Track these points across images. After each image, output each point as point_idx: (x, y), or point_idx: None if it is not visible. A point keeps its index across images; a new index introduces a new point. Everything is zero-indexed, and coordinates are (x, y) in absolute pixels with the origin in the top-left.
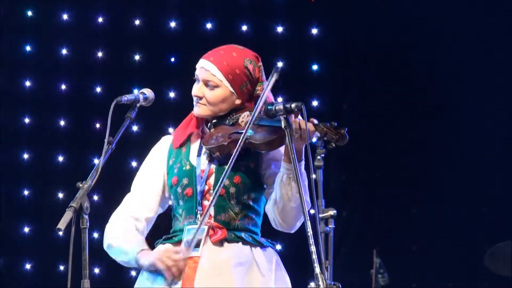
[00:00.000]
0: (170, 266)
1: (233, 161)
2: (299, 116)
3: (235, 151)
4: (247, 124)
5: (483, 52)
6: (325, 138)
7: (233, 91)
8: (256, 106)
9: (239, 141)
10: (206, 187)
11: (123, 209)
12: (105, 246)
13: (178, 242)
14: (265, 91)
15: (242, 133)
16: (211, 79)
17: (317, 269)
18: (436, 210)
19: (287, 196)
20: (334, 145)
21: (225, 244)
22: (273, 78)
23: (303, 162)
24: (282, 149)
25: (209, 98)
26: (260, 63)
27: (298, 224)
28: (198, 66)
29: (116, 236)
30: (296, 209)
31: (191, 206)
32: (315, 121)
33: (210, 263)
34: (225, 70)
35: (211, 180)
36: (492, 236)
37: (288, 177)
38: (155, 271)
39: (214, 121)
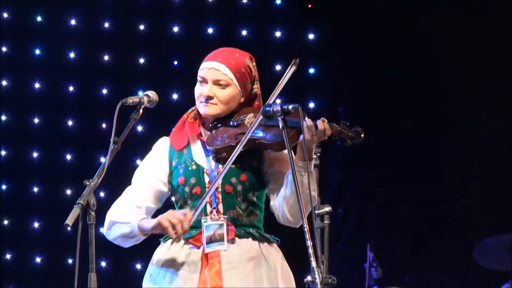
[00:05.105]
0: (175, 223)
1: (233, 159)
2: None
3: (235, 150)
4: (252, 125)
5: (475, 57)
6: (341, 136)
7: (240, 89)
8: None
9: (241, 141)
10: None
11: (125, 198)
12: (106, 227)
13: (188, 239)
14: (282, 81)
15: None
16: (222, 78)
17: (313, 263)
18: (428, 207)
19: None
20: (350, 142)
21: (237, 239)
22: (291, 69)
23: (313, 160)
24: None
25: (221, 97)
26: (255, 63)
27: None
28: (205, 67)
29: (119, 213)
30: (305, 205)
31: None
32: (326, 121)
33: (224, 258)
34: (234, 69)
35: (218, 179)
36: (485, 234)
37: (300, 174)
38: (163, 265)
39: (214, 122)
